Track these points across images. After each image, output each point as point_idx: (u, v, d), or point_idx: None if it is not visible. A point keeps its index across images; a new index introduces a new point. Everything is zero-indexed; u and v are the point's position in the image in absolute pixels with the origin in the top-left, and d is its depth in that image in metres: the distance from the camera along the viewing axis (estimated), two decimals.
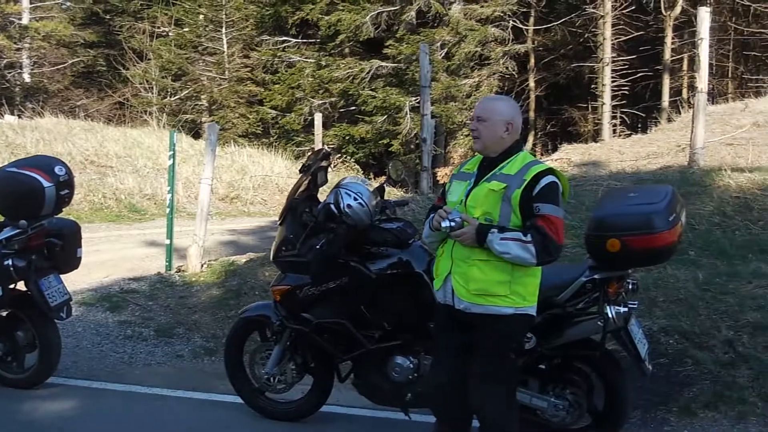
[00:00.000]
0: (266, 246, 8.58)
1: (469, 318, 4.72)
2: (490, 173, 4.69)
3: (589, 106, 34.02)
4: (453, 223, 4.59)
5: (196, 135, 26.86)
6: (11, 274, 6.56)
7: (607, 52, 30.32)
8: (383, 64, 28.06)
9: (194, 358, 8.03)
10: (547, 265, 4.60)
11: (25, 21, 35.97)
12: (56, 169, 6.74)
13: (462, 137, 27.06)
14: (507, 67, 29.13)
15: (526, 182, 4.55)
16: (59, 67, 36.75)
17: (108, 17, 39.31)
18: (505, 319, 4.62)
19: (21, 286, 6.77)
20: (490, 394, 4.72)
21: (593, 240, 5.21)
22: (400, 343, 5.70)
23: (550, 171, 4.60)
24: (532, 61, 34.99)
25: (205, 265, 10.55)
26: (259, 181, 19.96)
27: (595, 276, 5.17)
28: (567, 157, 18.50)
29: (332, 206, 5.61)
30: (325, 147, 22.27)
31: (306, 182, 6.05)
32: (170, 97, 33.32)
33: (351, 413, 6.46)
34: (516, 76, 31.82)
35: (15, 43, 35.11)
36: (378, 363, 5.74)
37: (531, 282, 4.67)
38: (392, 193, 15.86)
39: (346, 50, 30.24)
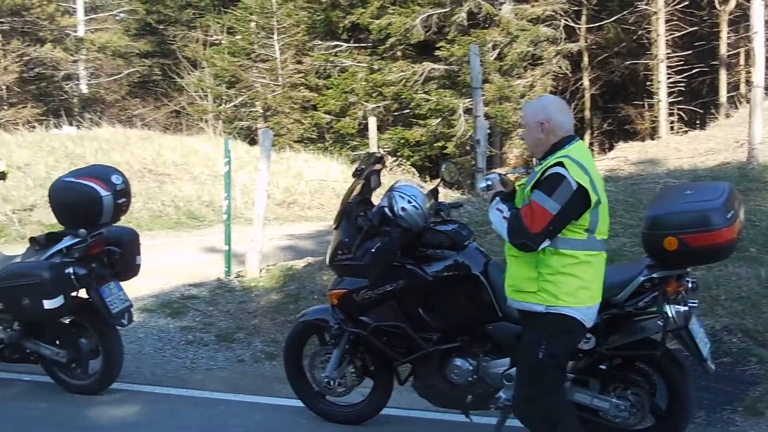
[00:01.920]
0: (324, 250, 8.60)
1: (519, 314, 4.82)
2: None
3: (645, 103, 33.64)
4: (488, 182, 4.89)
5: (252, 141, 26.92)
6: (73, 282, 6.61)
7: (661, 49, 29.99)
8: (435, 66, 27.92)
9: (255, 363, 8.08)
10: (522, 248, 4.54)
11: (80, 33, 36.53)
12: (113, 178, 6.82)
13: (517, 138, 26.84)
14: (560, 67, 28.92)
15: (536, 178, 4.54)
16: (115, 77, 37.31)
17: (161, 27, 39.88)
18: (537, 316, 4.61)
19: (82, 293, 6.85)
20: (522, 397, 4.75)
21: (650, 238, 5.14)
22: (458, 345, 5.69)
23: (558, 164, 4.47)
24: (586, 59, 34.66)
25: (263, 270, 10.62)
26: (316, 185, 19.99)
27: (654, 275, 5.10)
28: (624, 156, 18.39)
29: (386, 209, 5.64)
30: (380, 150, 22.32)
31: (359, 186, 6.08)
32: (225, 104, 33.49)
33: (412, 416, 6.47)
34: (570, 75, 31.64)
35: (71, 55, 35.65)
36: (437, 365, 5.73)
37: (565, 281, 4.56)
38: (447, 195, 15.83)
39: (398, 53, 30.15)
